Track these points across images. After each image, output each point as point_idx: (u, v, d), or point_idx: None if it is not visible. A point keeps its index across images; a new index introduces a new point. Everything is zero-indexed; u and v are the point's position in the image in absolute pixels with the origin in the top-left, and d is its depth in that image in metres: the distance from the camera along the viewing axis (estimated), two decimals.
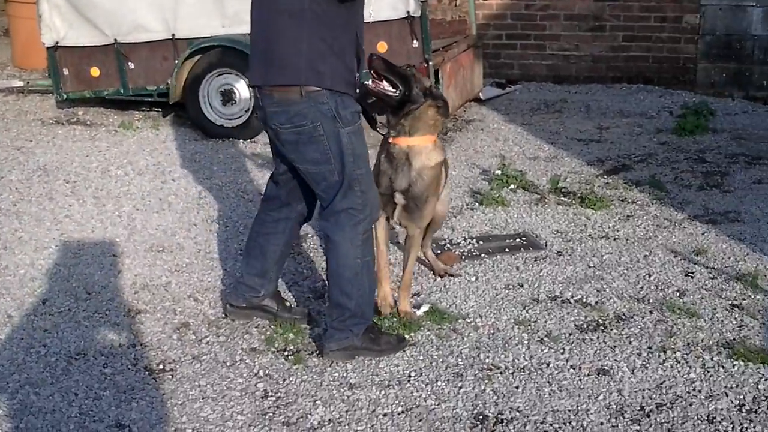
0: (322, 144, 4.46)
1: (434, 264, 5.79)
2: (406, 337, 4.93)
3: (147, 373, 4.67)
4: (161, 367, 4.72)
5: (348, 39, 4.44)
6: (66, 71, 9.35)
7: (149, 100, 9.75)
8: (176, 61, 9.05)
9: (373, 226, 4.88)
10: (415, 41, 8.66)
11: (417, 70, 5.09)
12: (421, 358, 4.78)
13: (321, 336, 4.95)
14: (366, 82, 4.94)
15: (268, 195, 5.04)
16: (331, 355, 4.73)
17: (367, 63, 4.81)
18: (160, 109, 9.99)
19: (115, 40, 9.10)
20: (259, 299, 5.10)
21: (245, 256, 5.18)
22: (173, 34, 9.04)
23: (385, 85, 4.87)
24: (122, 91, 9.40)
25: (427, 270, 5.83)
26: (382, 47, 8.63)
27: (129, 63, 9.20)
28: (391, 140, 5.05)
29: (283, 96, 4.40)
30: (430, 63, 8.68)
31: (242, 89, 9.07)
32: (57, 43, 9.21)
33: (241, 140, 9.06)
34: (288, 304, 5.27)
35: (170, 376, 4.62)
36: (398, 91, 4.88)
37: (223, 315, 5.24)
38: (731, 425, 4.12)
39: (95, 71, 9.28)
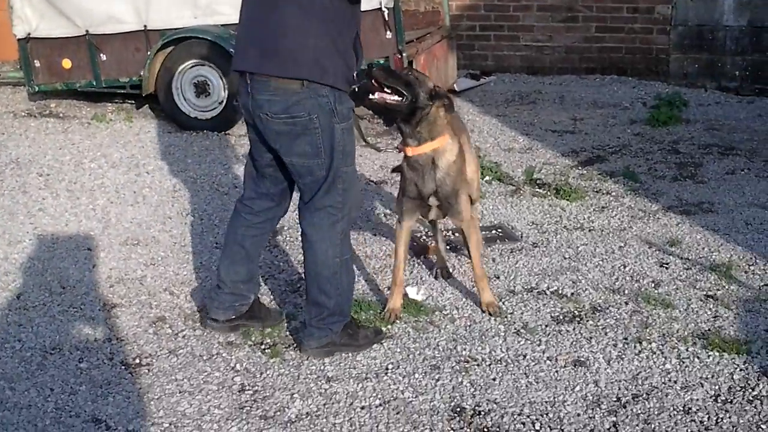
0: (315, 137, 4.39)
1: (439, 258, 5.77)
2: (384, 329, 4.92)
3: (123, 367, 4.64)
4: (137, 361, 4.70)
5: (350, 37, 4.40)
6: (38, 63, 9.29)
7: (122, 92, 9.71)
8: (149, 53, 9.01)
9: (397, 231, 5.07)
10: (388, 32, 8.66)
11: (420, 73, 4.99)
12: (399, 350, 4.78)
13: (298, 330, 4.95)
14: (370, 96, 4.80)
15: (256, 195, 4.81)
16: (310, 352, 4.72)
17: (366, 74, 4.79)
18: (133, 102, 9.95)
19: (87, 31, 9.05)
20: (247, 305, 4.94)
21: (226, 263, 4.88)
22: (145, 26, 9.00)
23: (388, 96, 4.74)
24: (95, 83, 9.35)
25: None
26: None
27: (101, 55, 9.15)
28: (410, 152, 4.92)
29: (282, 85, 4.31)
30: (404, 54, 8.68)
31: (216, 81, 9.03)
32: (29, 34, 9.16)
33: (215, 132, 9.04)
34: (266, 307, 5.13)
35: (147, 371, 4.60)
36: (404, 99, 4.74)
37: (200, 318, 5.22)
38: (707, 415, 4.14)
39: (67, 63, 9.23)
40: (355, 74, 4.49)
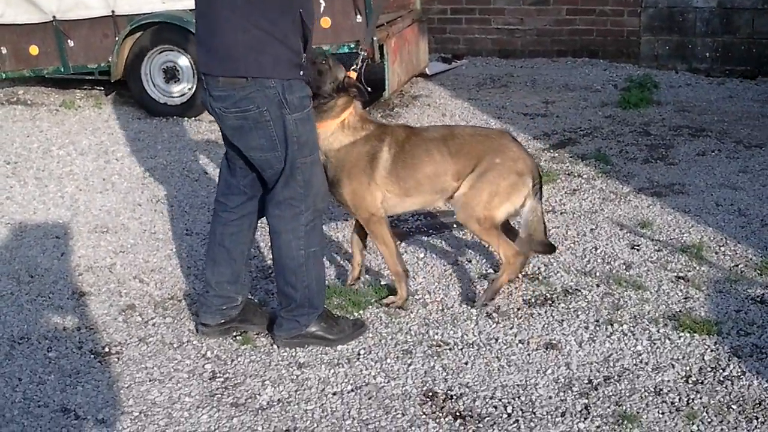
0: (268, 130, 4.33)
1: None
2: (359, 316, 4.89)
3: (93, 356, 4.61)
4: (107, 349, 4.66)
5: (290, 21, 4.28)
6: (4, 50, 9.18)
7: (91, 78, 9.62)
8: (117, 39, 8.92)
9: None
10: (358, 16, 8.61)
11: (336, 61, 4.90)
12: (370, 335, 4.76)
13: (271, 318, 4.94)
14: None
15: (228, 190, 4.74)
16: (280, 342, 4.68)
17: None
18: (102, 88, 9.85)
19: (54, 17, 8.94)
20: (237, 308, 4.80)
21: (210, 264, 4.78)
22: (113, 11, 8.91)
23: None
24: (62, 70, 9.25)
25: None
26: (325, 23, 8.57)
27: (69, 41, 9.05)
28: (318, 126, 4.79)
29: (228, 81, 4.27)
30: (375, 38, 8.62)
31: (185, 66, 8.97)
32: None
33: (185, 118, 8.98)
34: (260, 310, 4.99)
35: (116, 359, 4.57)
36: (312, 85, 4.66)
37: (170, 297, 5.19)
38: (678, 396, 4.16)
39: (34, 49, 9.12)
40: (303, 57, 4.34)
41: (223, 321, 4.78)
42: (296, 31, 4.30)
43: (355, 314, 4.95)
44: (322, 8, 8.46)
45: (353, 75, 4.84)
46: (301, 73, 4.34)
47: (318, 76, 4.72)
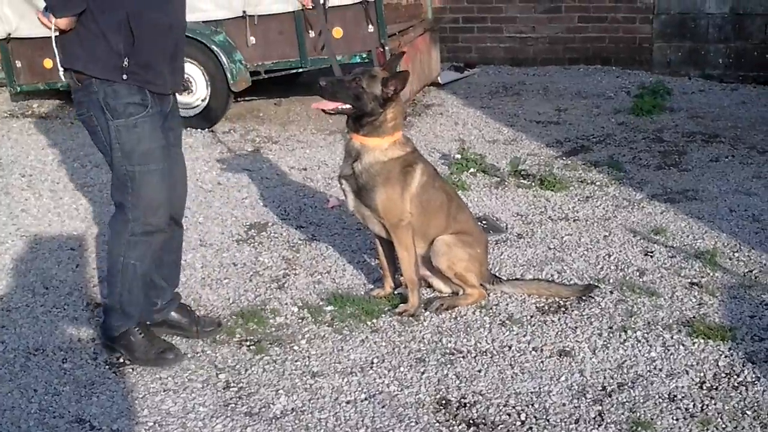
0: (99, 134, 4.34)
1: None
2: (182, 354, 4.69)
3: (107, 367, 4.62)
4: (121, 360, 4.67)
5: (113, 20, 4.18)
6: (19, 63, 9.21)
7: None
8: None
9: None
10: (370, 26, 8.63)
11: (367, 76, 4.94)
12: (384, 344, 4.77)
13: (284, 326, 4.96)
14: (323, 110, 4.94)
15: None
16: (101, 342, 4.75)
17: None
18: None
19: None
20: (159, 313, 4.84)
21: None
22: None
23: (339, 103, 4.89)
24: None
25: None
26: (337, 33, 8.59)
27: None
28: (354, 138, 5.03)
29: (70, 81, 4.32)
30: (386, 48, 8.65)
31: (198, 78, 8.99)
32: (9, 35, 9.07)
33: (198, 129, 9.00)
34: (196, 316, 5.00)
35: (130, 370, 4.58)
36: (353, 107, 4.89)
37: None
38: (692, 402, 4.15)
39: (49, 63, 9.13)
40: (125, 60, 4.22)
41: (149, 323, 4.78)
42: (119, 32, 4.20)
43: (369, 323, 4.96)
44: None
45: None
46: (124, 77, 4.24)
47: (357, 102, 4.86)
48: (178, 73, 4.57)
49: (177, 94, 4.72)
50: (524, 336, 4.81)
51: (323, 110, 4.98)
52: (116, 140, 4.30)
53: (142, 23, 4.23)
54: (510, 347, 4.70)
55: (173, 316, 4.90)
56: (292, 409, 4.21)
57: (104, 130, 4.32)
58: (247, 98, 9.68)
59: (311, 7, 4.93)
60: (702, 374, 4.39)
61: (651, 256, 5.76)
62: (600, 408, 4.13)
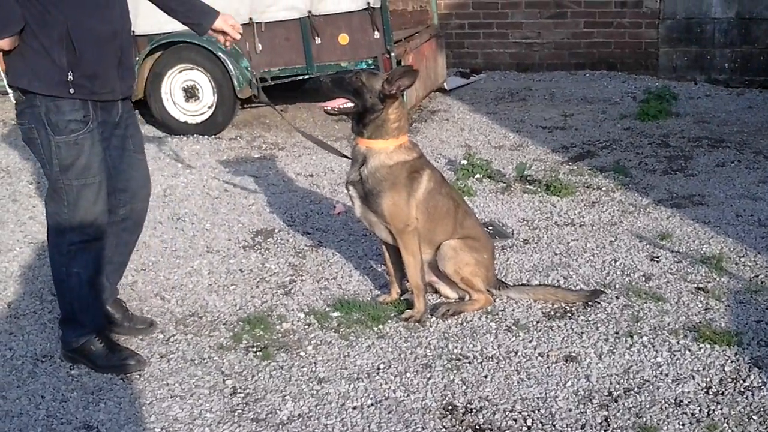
0: (38, 147, 4.35)
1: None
2: (145, 362, 4.71)
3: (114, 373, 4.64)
4: None
5: (54, 34, 4.17)
6: None
7: None
8: (137, 58, 8.98)
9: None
10: (376, 32, 8.65)
11: (367, 72, 5.00)
12: (390, 350, 4.78)
13: (290, 332, 4.97)
14: (325, 109, 4.98)
15: None
16: (62, 354, 4.74)
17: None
18: None
19: None
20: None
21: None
22: (133, 31, 8.93)
23: (341, 101, 4.93)
24: None
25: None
26: (343, 39, 8.63)
27: None
28: (360, 142, 5.04)
29: (16, 97, 4.30)
30: (392, 54, 8.67)
31: (205, 85, 9.02)
32: None
33: (205, 136, 9.03)
34: (130, 313, 5.06)
35: (138, 376, 4.59)
36: (356, 105, 4.91)
37: (189, 314, 5.22)
38: (698, 408, 4.14)
39: None
40: (70, 74, 4.22)
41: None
42: (61, 46, 4.20)
43: (375, 329, 4.97)
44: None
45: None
46: (71, 91, 4.25)
47: (356, 97, 4.88)
48: (128, 77, 4.60)
49: (131, 99, 4.73)
50: (530, 341, 4.81)
51: (324, 110, 5.01)
52: (56, 156, 4.32)
53: (84, 34, 4.23)
54: (516, 353, 4.70)
55: (108, 310, 4.92)
56: (299, 414, 4.22)
57: (44, 145, 4.33)
58: (253, 105, 9.70)
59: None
60: (708, 379, 4.39)
61: (657, 261, 5.76)
62: (606, 413, 4.13)
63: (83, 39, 4.22)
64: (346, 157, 5.36)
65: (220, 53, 8.77)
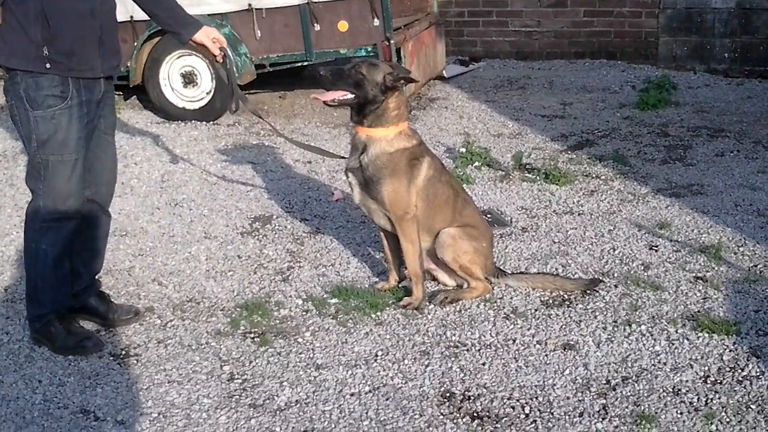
0: (18, 123, 4.42)
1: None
2: (101, 340, 4.76)
3: (112, 358, 4.63)
4: (126, 352, 4.69)
5: (28, 10, 4.24)
6: None
7: None
8: (135, 44, 8.96)
9: None
10: (375, 19, 8.62)
11: (367, 64, 4.97)
12: (388, 337, 4.77)
13: (288, 318, 4.96)
14: (324, 101, 4.97)
15: None
16: (31, 335, 4.78)
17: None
18: (120, 93, 9.88)
19: None
20: (77, 298, 4.84)
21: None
22: (131, 16, 8.93)
23: (340, 93, 4.91)
24: None
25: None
26: (342, 26, 8.60)
27: None
28: (360, 130, 5.02)
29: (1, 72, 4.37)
30: (392, 41, 8.64)
31: (203, 71, 9.00)
32: None
33: (203, 122, 9.01)
34: (114, 304, 5.03)
35: (135, 361, 4.59)
36: (356, 96, 4.90)
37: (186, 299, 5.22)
38: (696, 396, 4.14)
39: None
40: (45, 50, 4.26)
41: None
42: (36, 22, 4.25)
43: (373, 315, 4.96)
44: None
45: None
46: (48, 65, 4.30)
47: (358, 89, 4.87)
48: (112, 56, 4.63)
49: (113, 78, 4.77)
50: (528, 329, 4.81)
51: (324, 102, 4.99)
52: (34, 131, 4.38)
53: (59, 11, 4.28)
54: (514, 340, 4.70)
55: (91, 303, 4.94)
56: (296, 401, 4.21)
57: (23, 120, 4.39)
58: (251, 91, 9.67)
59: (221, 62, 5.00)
60: (706, 368, 4.38)
61: (656, 250, 5.75)
62: (604, 401, 4.13)
63: (58, 16, 4.28)
64: (342, 158, 5.36)
65: None
